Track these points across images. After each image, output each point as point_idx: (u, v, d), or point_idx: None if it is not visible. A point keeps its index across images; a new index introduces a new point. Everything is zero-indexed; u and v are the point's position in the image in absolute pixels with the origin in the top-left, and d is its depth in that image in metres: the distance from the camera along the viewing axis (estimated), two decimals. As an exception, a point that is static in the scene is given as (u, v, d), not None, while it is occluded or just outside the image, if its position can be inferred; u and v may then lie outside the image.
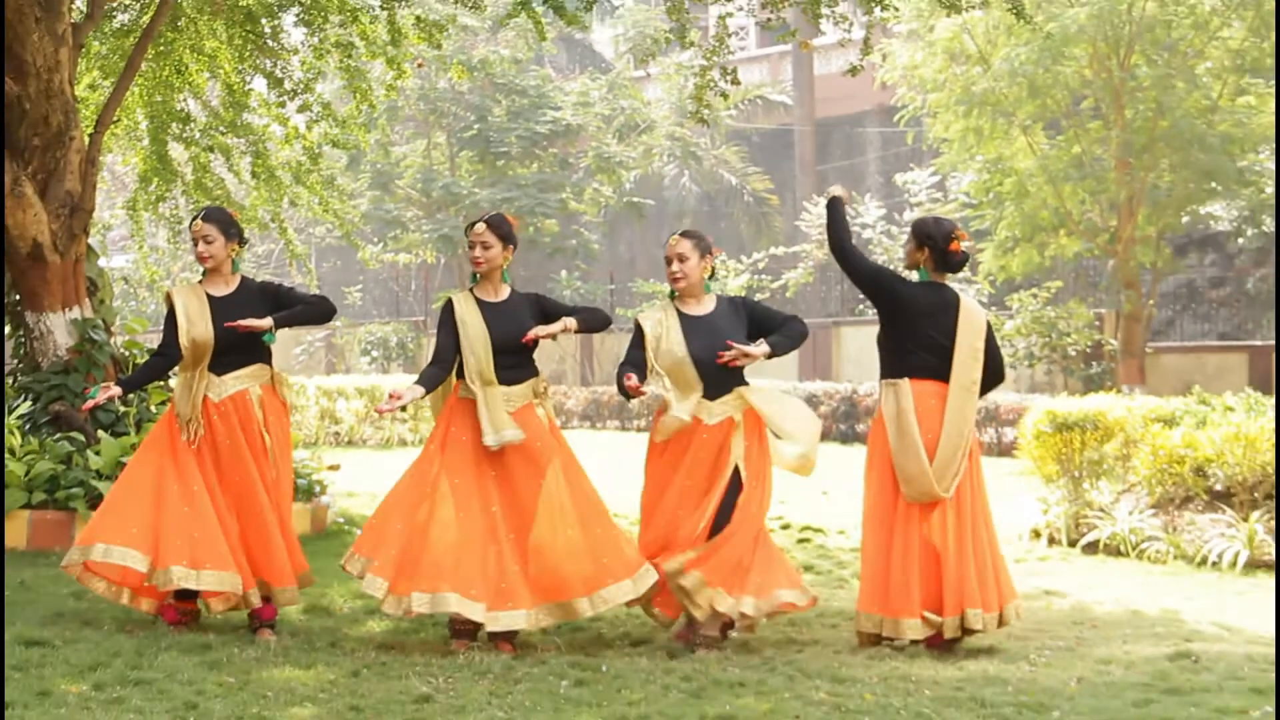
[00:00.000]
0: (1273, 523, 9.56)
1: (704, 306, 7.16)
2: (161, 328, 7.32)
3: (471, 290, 7.16)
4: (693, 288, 7.14)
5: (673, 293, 7.20)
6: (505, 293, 7.14)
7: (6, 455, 9.74)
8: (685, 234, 7.21)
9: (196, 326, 7.02)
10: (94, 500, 9.44)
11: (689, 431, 6.99)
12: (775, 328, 7.17)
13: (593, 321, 7.26)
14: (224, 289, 7.16)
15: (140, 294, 31.76)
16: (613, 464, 17.77)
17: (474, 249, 7.07)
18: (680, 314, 7.12)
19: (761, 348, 6.99)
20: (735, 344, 6.93)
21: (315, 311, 7.31)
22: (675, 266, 7.11)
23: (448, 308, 7.09)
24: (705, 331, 7.03)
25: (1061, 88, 21.53)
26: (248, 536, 6.98)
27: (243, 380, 7.09)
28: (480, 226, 7.09)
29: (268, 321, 7.04)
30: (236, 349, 7.06)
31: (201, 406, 6.99)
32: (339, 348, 33.95)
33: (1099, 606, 8.29)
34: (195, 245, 7.13)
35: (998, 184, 22.31)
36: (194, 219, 7.21)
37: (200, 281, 7.24)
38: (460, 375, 7.06)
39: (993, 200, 22.56)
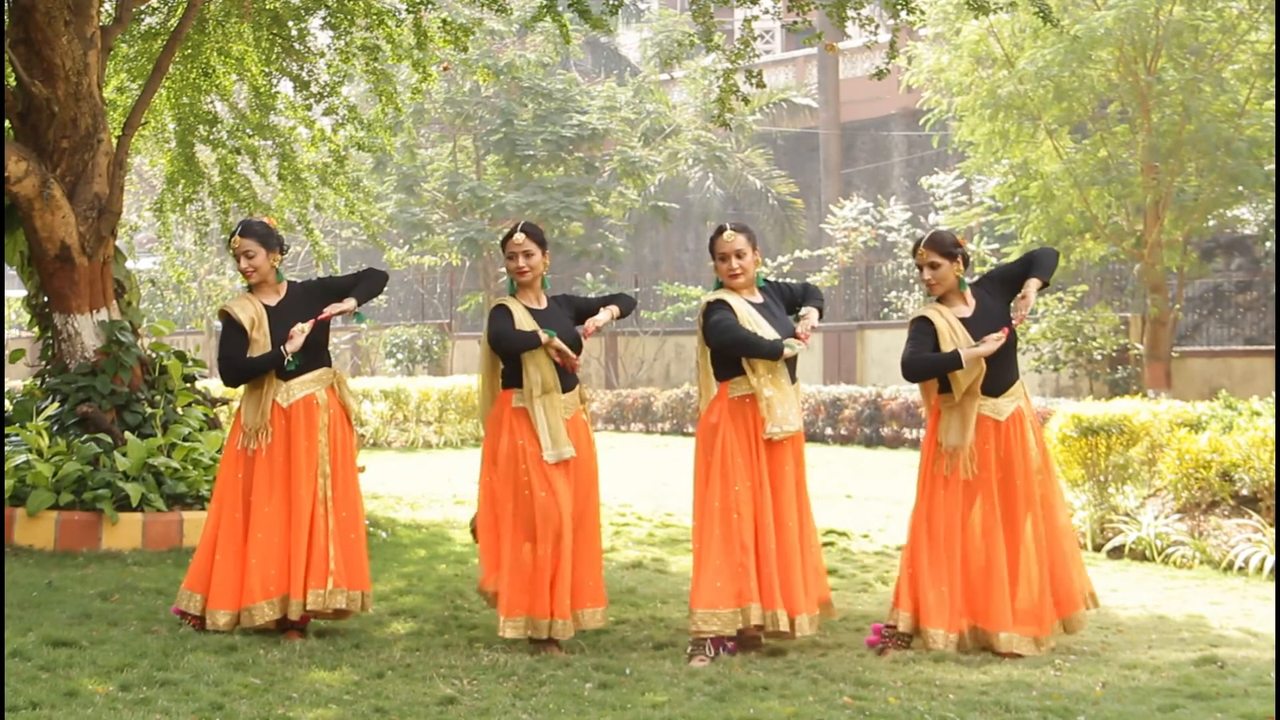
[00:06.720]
0: (1300, 528, 9.53)
1: (757, 296, 7.10)
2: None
3: (514, 298, 7.06)
4: (749, 282, 7.07)
5: (719, 284, 7.05)
6: (545, 300, 7.09)
7: (34, 456, 9.80)
8: (737, 228, 7.04)
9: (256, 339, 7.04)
10: (120, 501, 9.49)
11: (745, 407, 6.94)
12: (800, 297, 7.31)
13: (625, 304, 7.28)
14: (274, 298, 7.15)
15: (167, 296, 31.84)
16: (635, 466, 17.79)
17: (516, 258, 6.99)
18: (749, 301, 7.02)
19: (811, 318, 7.13)
20: (799, 329, 7.05)
21: (373, 282, 7.25)
22: (735, 263, 6.98)
23: (504, 312, 6.98)
24: (770, 315, 7.01)
25: (1088, 91, 21.44)
26: (313, 542, 6.94)
27: (308, 385, 7.07)
28: (520, 236, 7.00)
29: (350, 303, 7.06)
30: (300, 354, 7.03)
31: (271, 413, 6.99)
32: (364, 350, 34.02)
33: (1124, 611, 8.27)
34: (237, 261, 7.11)
35: (1023, 188, 22.22)
36: (233, 234, 7.18)
37: (250, 291, 7.22)
38: (509, 385, 6.99)
39: (1018, 204, 22.47)
